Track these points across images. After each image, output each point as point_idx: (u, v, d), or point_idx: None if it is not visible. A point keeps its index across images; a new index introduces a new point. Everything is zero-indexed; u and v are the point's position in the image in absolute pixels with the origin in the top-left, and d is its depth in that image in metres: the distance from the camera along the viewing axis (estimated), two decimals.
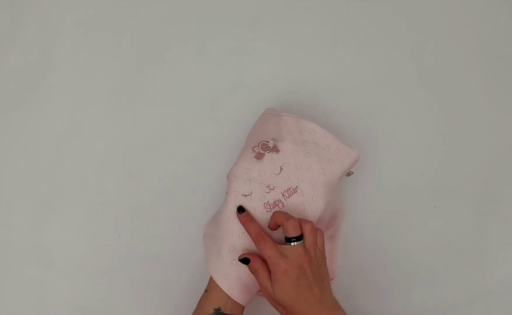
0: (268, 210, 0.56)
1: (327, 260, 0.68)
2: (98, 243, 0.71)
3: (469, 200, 0.73)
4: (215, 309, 0.54)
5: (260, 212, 0.56)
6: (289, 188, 0.57)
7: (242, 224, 0.55)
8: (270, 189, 0.57)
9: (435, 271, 0.72)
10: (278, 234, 0.55)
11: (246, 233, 0.55)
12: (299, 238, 0.51)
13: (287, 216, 0.53)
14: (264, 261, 0.52)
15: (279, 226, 0.54)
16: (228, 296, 0.55)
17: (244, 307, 0.57)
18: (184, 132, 0.73)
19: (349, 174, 0.57)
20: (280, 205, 0.57)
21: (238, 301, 0.56)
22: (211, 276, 0.57)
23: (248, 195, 0.57)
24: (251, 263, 0.53)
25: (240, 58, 0.74)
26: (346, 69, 0.74)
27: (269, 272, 0.51)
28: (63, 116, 0.73)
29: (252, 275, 0.54)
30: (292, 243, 0.51)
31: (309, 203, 0.57)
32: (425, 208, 0.73)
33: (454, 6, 0.75)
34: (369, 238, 0.71)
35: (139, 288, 0.71)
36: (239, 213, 0.56)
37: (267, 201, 0.56)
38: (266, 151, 0.59)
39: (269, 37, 0.74)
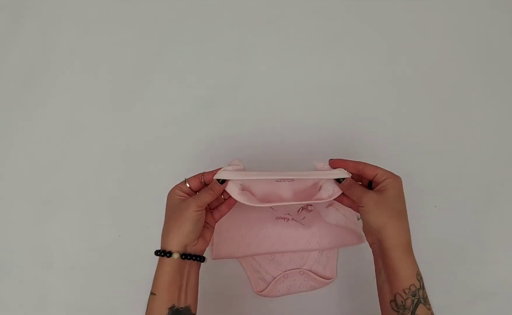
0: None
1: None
2: (98, 243, 0.71)
3: (469, 200, 0.73)
4: (169, 308, 0.50)
5: None
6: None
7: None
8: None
9: (435, 271, 0.72)
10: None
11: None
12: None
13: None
14: None
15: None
16: (179, 290, 0.51)
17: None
18: (184, 132, 0.73)
19: (339, 180, 0.56)
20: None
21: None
22: (154, 278, 0.52)
23: None
24: (345, 180, 0.53)
25: (240, 58, 0.74)
26: (346, 69, 0.74)
27: (359, 185, 0.53)
28: (63, 116, 0.73)
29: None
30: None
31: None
32: (425, 208, 0.73)
33: (454, 6, 0.75)
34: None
35: (139, 288, 0.70)
36: None
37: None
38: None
39: (269, 37, 0.74)
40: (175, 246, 0.51)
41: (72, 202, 0.72)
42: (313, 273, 0.68)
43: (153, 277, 0.69)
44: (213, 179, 0.54)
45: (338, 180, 0.54)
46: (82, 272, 0.72)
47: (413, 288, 0.47)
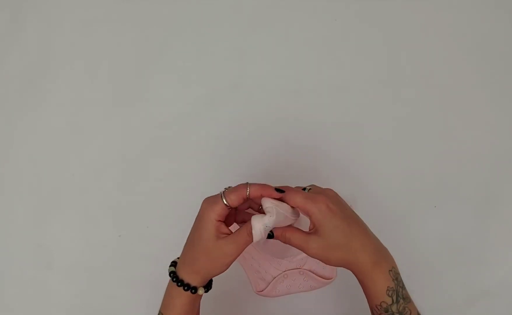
0: None
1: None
2: (98, 243, 0.71)
3: (469, 200, 0.73)
4: None
5: None
6: None
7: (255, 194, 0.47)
8: None
9: (435, 271, 0.72)
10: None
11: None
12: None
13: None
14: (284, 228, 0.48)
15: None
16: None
17: None
18: (184, 132, 0.73)
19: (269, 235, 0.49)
20: None
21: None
22: (168, 305, 0.50)
23: None
24: (275, 234, 0.47)
25: (240, 58, 0.74)
26: (346, 69, 0.74)
27: (298, 229, 0.47)
28: (63, 116, 0.73)
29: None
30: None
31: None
32: (425, 208, 0.73)
33: (454, 6, 0.75)
34: None
35: (139, 288, 0.71)
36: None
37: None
38: None
39: (269, 37, 0.74)
40: (201, 282, 0.47)
41: (72, 202, 0.72)
42: (313, 273, 0.68)
43: (153, 277, 0.70)
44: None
45: (269, 237, 0.48)
46: (82, 272, 0.71)
47: (384, 305, 0.46)
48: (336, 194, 0.49)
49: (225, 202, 0.46)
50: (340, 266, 0.48)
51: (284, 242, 0.48)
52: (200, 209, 0.48)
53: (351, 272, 0.49)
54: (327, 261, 0.47)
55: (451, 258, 0.72)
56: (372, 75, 0.74)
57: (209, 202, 0.47)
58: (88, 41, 0.74)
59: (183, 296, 0.47)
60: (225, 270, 0.47)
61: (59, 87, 0.73)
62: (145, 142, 0.73)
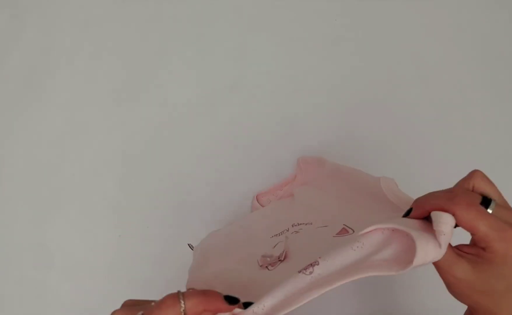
0: None
1: None
2: (98, 243, 0.71)
3: None
4: None
5: None
6: None
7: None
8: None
9: (435, 271, 0.72)
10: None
11: None
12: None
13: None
14: None
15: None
16: None
17: None
18: (184, 132, 0.73)
19: None
20: None
21: None
22: None
23: None
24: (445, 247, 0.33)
25: (240, 58, 0.74)
26: (346, 69, 0.74)
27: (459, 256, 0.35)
28: (63, 116, 0.73)
29: None
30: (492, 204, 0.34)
31: None
32: None
33: (454, 6, 0.75)
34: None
35: (139, 288, 0.71)
36: None
37: None
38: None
39: (269, 37, 0.74)
40: None
41: (72, 202, 0.72)
42: None
43: (153, 277, 0.70)
44: None
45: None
46: (82, 272, 0.71)
47: None
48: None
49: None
50: (468, 305, 0.38)
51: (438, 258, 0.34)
52: None
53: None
54: (461, 300, 0.38)
55: None
56: (371, 75, 0.74)
57: None
58: (88, 40, 0.74)
59: None
60: None
61: (59, 86, 0.73)
62: (145, 142, 0.73)
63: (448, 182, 0.74)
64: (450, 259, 0.35)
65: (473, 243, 0.35)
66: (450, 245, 0.35)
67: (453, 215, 0.33)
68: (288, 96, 0.73)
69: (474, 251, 0.34)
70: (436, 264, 0.36)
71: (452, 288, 0.37)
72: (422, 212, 0.35)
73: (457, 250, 0.35)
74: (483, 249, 0.34)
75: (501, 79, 0.75)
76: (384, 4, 0.75)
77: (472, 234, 0.34)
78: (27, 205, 0.72)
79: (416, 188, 0.73)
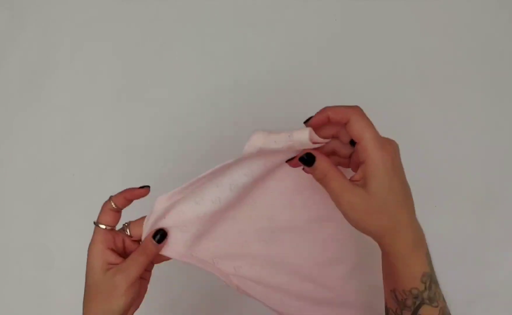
0: None
1: None
2: None
3: (469, 200, 0.73)
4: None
5: None
6: None
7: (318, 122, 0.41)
8: None
9: (435, 270, 0.72)
10: None
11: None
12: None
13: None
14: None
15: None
16: None
17: None
18: (184, 132, 0.73)
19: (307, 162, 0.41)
20: None
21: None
22: None
23: None
24: (318, 165, 0.38)
25: (240, 58, 0.74)
26: (346, 69, 0.74)
27: (343, 174, 0.38)
28: (63, 116, 0.73)
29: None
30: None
31: None
32: (425, 208, 0.73)
33: (454, 6, 0.75)
34: (369, 238, 0.71)
35: None
36: None
37: None
38: None
39: (269, 37, 0.74)
40: None
41: (73, 202, 0.72)
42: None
43: (153, 277, 0.70)
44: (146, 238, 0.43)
45: (305, 162, 0.39)
46: (82, 272, 0.71)
47: (414, 292, 0.39)
48: (397, 150, 0.40)
49: (101, 226, 0.45)
50: (371, 236, 0.40)
51: (319, 180, 0.39)
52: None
53: None
54: (361, 226, 0.38)
55: (451, 258, 0.72)
56: (372, 75, 0.74)
57: (94, 238, 0.45)
58: (88, 41, 0.74)
59: None
60: (124, 309, 0.41)
61: (59, 87, 0.73)
62: (145, 142, 0.73)
63: (448, 181, 0.74)
64: (343, 186, 0.37)
65: (355, 163, 0.39)
66: (343, 174, 0.38)
67: (348, 122, 0.39)
68: (288, 96, 0.73)
69: (360, 176, 0.38)
70: (334, 194, 0.38)
71: (352, 215, 0.38)
72: (322, 117, 0.41)
73: (344, 177, 0.38)
74: (363, 163, 0.37)
75: (501, 79, 0.75)
76: (384, 4, 0.75)
77: (357, 141, 0.38)
78: (27, 205, 0.72)
79: (416, 187, 0.73)
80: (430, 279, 0.39)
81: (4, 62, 0.74)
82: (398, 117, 0.74)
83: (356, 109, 0.40)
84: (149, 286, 0.51)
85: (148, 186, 0.45)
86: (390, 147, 0.39)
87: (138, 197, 0.45)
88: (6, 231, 0.72)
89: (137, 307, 0.46)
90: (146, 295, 0.49)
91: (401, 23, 0.75)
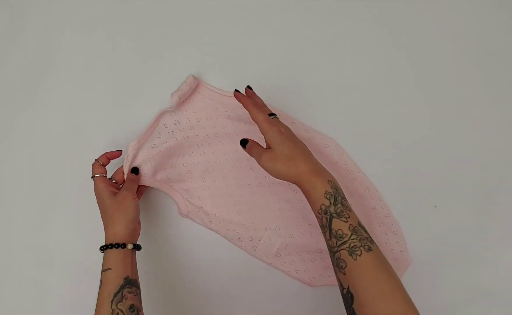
0: None
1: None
2: (98, 243, 0.71)
3: (469, 200, 0.73)
4: (124, 279, 0.56)
5: None
6: None
7: (239, 99, 0.61)
8: None
9: (435, 271, 0.72)
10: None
11: None
12: (274, 115, 0.60)
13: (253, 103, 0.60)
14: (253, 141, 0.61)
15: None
16: (131, 265, 0.59)
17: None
18: None
19: (243, 143, 0.63)
20: None
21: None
22: (105, 255, 0.58)
23: None
24: (248, 143, 0.61)
25: (240, 58, 0.74)
26: (346, 69, 0.74)
27: (259, 145, 0.60)
28: (63, 116, 0.73)
29: None
30: (272, 117, 0.59)
31: None
32: (425, 208, 0.73)
33: (453, 6, 0.75)
34: None
35: None
36: None
37: None
38: None
39: (269, 37, 0.74)
40: (125, 236, 0.59)
41: (72, 202, 0.72)
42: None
43: (153, 277, 0.70)
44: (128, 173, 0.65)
45: (242, 144, 0.61)
46: (82, 272, 0.72)
47: (323, 207, 0.52)
48: (285, 125, 0.59)
49: (97, 175, 0.63)
50: (287, 179, 0.56)
51: (248, 152, 0.60)
52: (96, 195, 0.62)
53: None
54: (275, 173, 0.56)
55: (450, 257, 0.72)
56: (372, 75, 0.74)
57: (95, 188, 0.62)
58: (88, 41, 0.74)
59: (117, 255, 0.57)
60: (135, 214, 0.61)
61: (59, 87, 0.73)
62: None
63: (448, 181, 0.74)
64: (260, 152, 0.58)
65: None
66: (258, 144, 0.60)
67: (249, 111, 0.59)
68: (288, 96, 0.73)
69: (266, 144, 0.58)
70: (256, 158, 0.58)
71: (268, 168, 0.57)
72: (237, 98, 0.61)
73: (260, 146, 0.59)
74: (264, 136, 0.57)
75: (501, 79, 0.75)
76: (384, 4, 0.75)
77: (257, 124, 0.57)
78: (27, 205, 0.72)
79: (416, 187, 0.73)
80: (334, 198, 0.53)
81: (4, 62, 0.74)
82: (398, 117, 0.74)
83: (249, 103, 0.59)
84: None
85: (120, 150, 0.66)
86: (276, 122, 0.58)
87: (114, 157, 0.66)
88: (6, 231, 0.72)
89: (138, 235, 0.63)
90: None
91: (401, 23, 0.75)
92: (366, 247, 0.50)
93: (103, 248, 0.59)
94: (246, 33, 0.74)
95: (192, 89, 0.69)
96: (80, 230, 0.72)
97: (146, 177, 0.67)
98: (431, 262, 0.72)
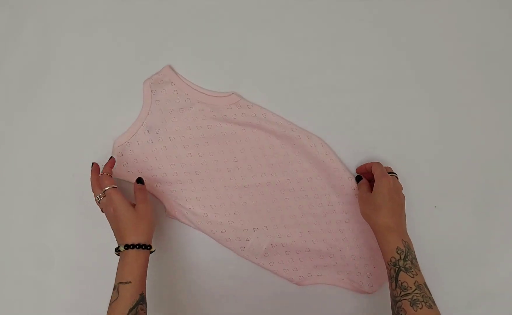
0: None
1: None
2: (98, 243, 0.71)
3: (469, 200, 0.73)
4: (140, 295, 0.58)
5: None
6: None
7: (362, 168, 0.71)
8: None
9: (435, 271, 0.72)
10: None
11: None
12: (395, 174, 0.68)
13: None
14: None
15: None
16: (146, 278, 0.60)
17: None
18: None
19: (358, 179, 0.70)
20: None
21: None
22: (126, 261, 0.59)
23: None
24: (361, 181, 0.70)
25: (240, 58, 0.74)
26: (346, 69, 0.74)
27: (368, 185, 0.68)
28: (63, 116, 0.73)
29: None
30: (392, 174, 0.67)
31: None
32: (425, 208, 0.73)
33: (453, 6, 0.75)
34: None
35: None
36: None
37: None
38: None
39: (269, 37, 0.74)
40: (147, 239, 0.61)
41: (72, 202, 0.72)
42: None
43: (153, 277, 0.70)
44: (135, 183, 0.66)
45: (356, 179, 0.71)
46: (82, 272, 0.72)
47: (393, 260, 0.58)
48: (399, 186, 0.66)
49: (108, 188, 0.63)
50: (366, 219, 0.65)
51: (358, 186, 0.70)
52: (111, 207, 0.62)
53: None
54: (362, 213, 0.66)
55: (451, 258, 0.72)
56: (372, 75, 0.74)
57: (109, 201, 0.62)
58: (88, 41, 0.74)
59: (139, 257, 0.59)
60: (155, 221, 0.64)
61: (59, 86, 0.73)
62: None
63: (448, 181, 0.74)
64: (362, 191, 0.67)
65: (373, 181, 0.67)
66: (368, 185, 0.68)
67: (371, 167, 0.68)
68: (288, 96, 0.73)
69: (373, 188, 0.66)
70: (358, 195, 0.69)
71: (361, 211, 0.67)
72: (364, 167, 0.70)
73: (368, 187, 0.68)
74: (375, 180, 0.65)
75: (501, 79, 0.75)
76: (384, 4, 0.75)
77: (373, 172, 0.66)
78: (27, 205, 0.72)
79: (416, 187, 0.73)
80: (405, 255, 0.58)
81: (4, 62, 0.74)
82: (398, 117, 0.74)
83: (377, 163, 0.68)
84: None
85: (112, 157, 0.68)
86: (389, 176, 0.65)
87: (113, 165, 0.68)
88: (6, 231, 0.72)
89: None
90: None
91: (401, 23, 0.75)
92: (427, 304, 0.55)
93: (126, 247, 0.59)
94: (246, 33, 0.74)
95: (168, 79, 0.71)
96: (80, 230, 0.72)
97: (132, 175, 0.69)
98: (431, 262, 0.72)
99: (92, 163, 0.67)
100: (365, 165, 0.70)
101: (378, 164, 0.67)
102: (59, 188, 0.72)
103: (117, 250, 0.61)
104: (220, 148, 0.70)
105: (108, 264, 0.71)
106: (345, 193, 0.71)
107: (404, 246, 0.58)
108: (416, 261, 0.59)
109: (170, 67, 0.72)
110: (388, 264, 0.59)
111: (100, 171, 0.66)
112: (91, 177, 0.65)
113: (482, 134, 0.74)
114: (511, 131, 0.74)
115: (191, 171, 0.70)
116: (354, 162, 0.73)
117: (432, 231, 0.73)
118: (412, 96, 0.74)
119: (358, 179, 0.70)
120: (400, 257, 0.57)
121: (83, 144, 0.72)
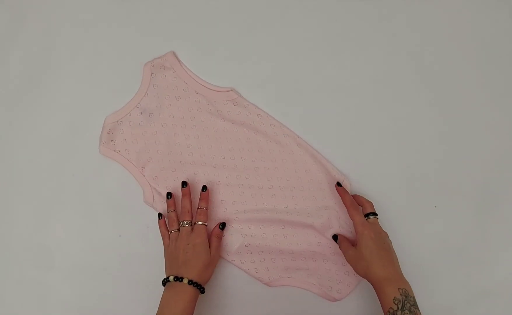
0: None
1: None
2: (98, 243, 0.71)
3: (469, 200, 0.73)
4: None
5: None
6: None
7: (340, 194, 0.68)
8: None
9: (435, 271, 0.72)
10: None
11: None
12: (375, 214, 0.67)
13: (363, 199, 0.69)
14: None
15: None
16: None
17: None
18: None
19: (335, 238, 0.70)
20: None
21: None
22: (178, 297, 0.61)
23: None
24: (338, 238, 0.69)
25: (240, 59, 0.74)
26: (346, 69, 0.74)
27: (348, 240, 0.68)
28: (63, 116, 0.73)
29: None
30: (371, 216, 0.66)
31: None
32: (425, 208, 0.73)
33: (454, 6, 0.75)
34: None
35: (139, 288, 0.71)
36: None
37: None
38: None
39: (269, 38, 0.74)
40: (205, 283, 0.64)
41: (72, 202, 0.72)
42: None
43: (153, 277, 0.70)
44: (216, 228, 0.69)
45: (334, 238, 0.70)
46: (82, 272, 0.72)
47: (391, 310, 0.59)
48: (381, 230, 0.66)
49: (202, 223, 0.67)
50: (362, 276, 0.64)
51: (338, 245, 0.68)
52: (195, 240, 0.65)
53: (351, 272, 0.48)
54: (355, 270, 0.65)
55: (451, 258, 0.72)
56: (372, 75, 0.74)
57: (196, 234, 0.66)
58: (88, 41, 0.74)
59: (187, 293, 0.61)
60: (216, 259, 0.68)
61: (59, 86, 0.73)
62: None
63: (448, 181, 0.74)
64: (347, 248, 0.66)
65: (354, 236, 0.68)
66: (347, 241, 0.68)
67: (347, 208, 0.67)
68: (288, 96, 0.73)
69: (355, 243, 0.66)
70: (342, 251, 0.67)
71: (350, 263, 0.65)
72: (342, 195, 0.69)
73: (349, 243, 0.67)
74: (356, 234, 0.65)
75: (501, 79, 0.75)
76: (384, 4, 0.75)
77: (353, 222, 0.65)
78: (27, 205, 0.72)
79: (416, 187, 0.73)
80: (402, 304, 0.59)
81: (4, 62, 0.74)
82: (398, 117, 0.74)
83: (348, 201, 0.67)
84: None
85: (206, 188, 0.69)
86: (370, 227, 0.64)
87: (208, 198, 0.69)
88: (6, 231, 0.72)
89: None
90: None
91: (401, 23, 0.75)
92: None
93: (190, 282, 0.61)
94: (246, 33, 0.74)
95: (169, 65, 0.71)
96: (80, 230, 0.72)
97: (117, 154, 0.69)
98: (431, 262, 0.72)
99: (183, 182, 0.68)
100: (342, 196, 0.68)
101: (355, 208, 0.66)
102: (59, 188, 0.72)
103: (176, 279, 0.62)
104: (209, 143, 0.70)
105: (108, 264, 0.71)
106: (323, 203, 0.71)
107: (401, 294, 0.59)
108: (416, 307, 0.59)
109: (174, 53, 0.71)
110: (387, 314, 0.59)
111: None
112: (183, 201, 0.67)
113: (482, 134, 0.74)
114: (511, 131, 0.74)
115: (176, 160, 0.70)
116: (354, 162, 0.73)
117: (432, 231, 0.73)
118: (412, 96, 0.74)
119: (335, 238, 0.69)
120: (398, 307, 0.58)
121: (83, 144, 0.72)
